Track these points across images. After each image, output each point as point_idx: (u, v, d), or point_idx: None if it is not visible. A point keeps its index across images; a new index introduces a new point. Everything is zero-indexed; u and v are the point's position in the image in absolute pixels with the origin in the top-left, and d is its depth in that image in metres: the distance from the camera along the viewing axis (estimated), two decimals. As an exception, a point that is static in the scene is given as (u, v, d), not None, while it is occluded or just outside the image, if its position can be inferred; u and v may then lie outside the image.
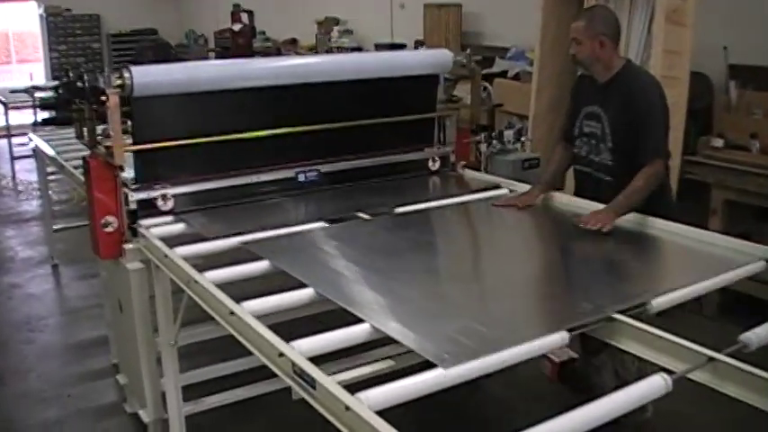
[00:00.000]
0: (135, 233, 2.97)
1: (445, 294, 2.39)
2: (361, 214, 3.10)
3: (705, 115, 4.67)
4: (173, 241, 2.78)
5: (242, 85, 3.15)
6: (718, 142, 4.45)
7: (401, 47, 7.46)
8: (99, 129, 3.08)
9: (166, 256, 2.61)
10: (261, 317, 2.07)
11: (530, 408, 3.43)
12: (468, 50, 3.66)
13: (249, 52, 10.24)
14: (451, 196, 3.41)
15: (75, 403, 3.64)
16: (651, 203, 2.94)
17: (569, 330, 1.97)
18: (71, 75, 2.91)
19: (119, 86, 2.82)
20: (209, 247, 2.76)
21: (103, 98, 2.79)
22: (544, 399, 3.50)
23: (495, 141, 3.70)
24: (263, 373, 2.50)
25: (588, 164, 3.20)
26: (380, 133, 3.58)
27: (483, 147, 3.72)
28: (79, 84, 2.83)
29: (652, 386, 1.69)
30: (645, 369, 3.18)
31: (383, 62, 3.51)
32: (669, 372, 1.77)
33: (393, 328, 1.95)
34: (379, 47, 7.68)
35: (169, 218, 3.04)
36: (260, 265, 2.53)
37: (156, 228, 2.93)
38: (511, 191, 3.40)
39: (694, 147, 4.48)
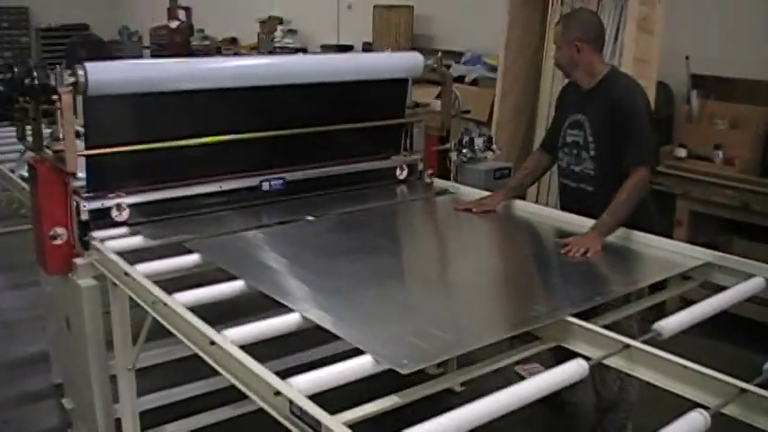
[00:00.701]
0: (86, 246, 2.70)
1: (395, 297, 2.31)
2: (308, 217, 3.00)
3: (666, 125, 4.62)
4: (130, 256, 2.53)
5: (203, 86, 2.90)
6: (682, 152, 4.40)
7: (348, 48, 7.27)
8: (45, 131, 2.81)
9: (127, 273, 2.35)
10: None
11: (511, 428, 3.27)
12: (440, 54, 3.48)
13: (186, 51, 9.85)
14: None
15: (14, 428, 3.32)
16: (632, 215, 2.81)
17: (586, 359, 1.83)
18: (16, 70, 2.61)
19: (71, 84, 2.54)
20: (173, 263, 2.51)
21: (54, 97, 2.51)
22: (523, 418, 3.34)
23: (466, 150, 3.53)
24: (229, 395, 2.29)
25: (568, 175, 3.08)
26: (347, 140, 3.38)
27: (453, 155, 3.55)
28: (27, 80, 2.53)
29: (691, 424, 1.54)
30: (626, 389, 3.08)
31: (355, 64, 3.30)
32: (701, 407, 1.63)
33: (349, 335, 1.92)
34: (326, 48, 7.46)
35: (124, 229, 2.77)
36: (234, 286, 2.30)
37: (112, 241, 2.66)
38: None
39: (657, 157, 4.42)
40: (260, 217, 3.02)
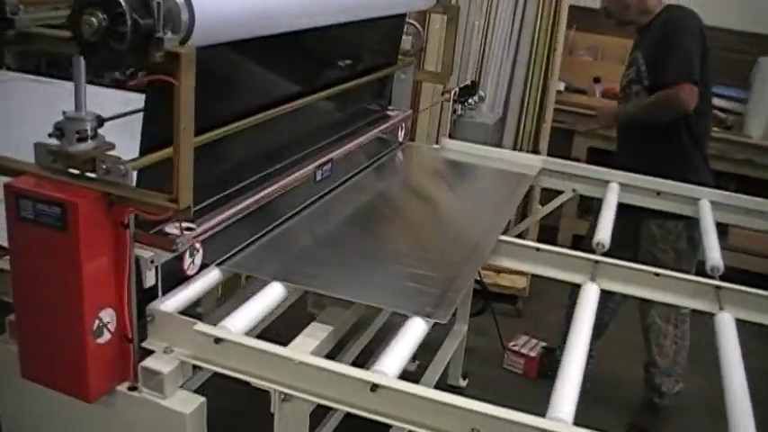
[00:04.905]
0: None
1: (361, 249, 1.83)
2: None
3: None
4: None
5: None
6: (560, 86, 4.03)
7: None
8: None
9: (377, 385, 1.19)
10: None
11: None
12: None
13: None
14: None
15: None
16: (674, 166, 2.47)
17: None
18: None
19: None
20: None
21: (159, 55, 1.12)
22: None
23: (472, 99, 2.70)
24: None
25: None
26: (345, 101, 2.30)
27: (458, 107, 2.69)
28: (94, 19, 1.05)
29: None
30: (680, 352, 2.74)
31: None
32: None
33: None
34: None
35: (199, 283, 1.47)
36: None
37: (235, 319, 1.37)
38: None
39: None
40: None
